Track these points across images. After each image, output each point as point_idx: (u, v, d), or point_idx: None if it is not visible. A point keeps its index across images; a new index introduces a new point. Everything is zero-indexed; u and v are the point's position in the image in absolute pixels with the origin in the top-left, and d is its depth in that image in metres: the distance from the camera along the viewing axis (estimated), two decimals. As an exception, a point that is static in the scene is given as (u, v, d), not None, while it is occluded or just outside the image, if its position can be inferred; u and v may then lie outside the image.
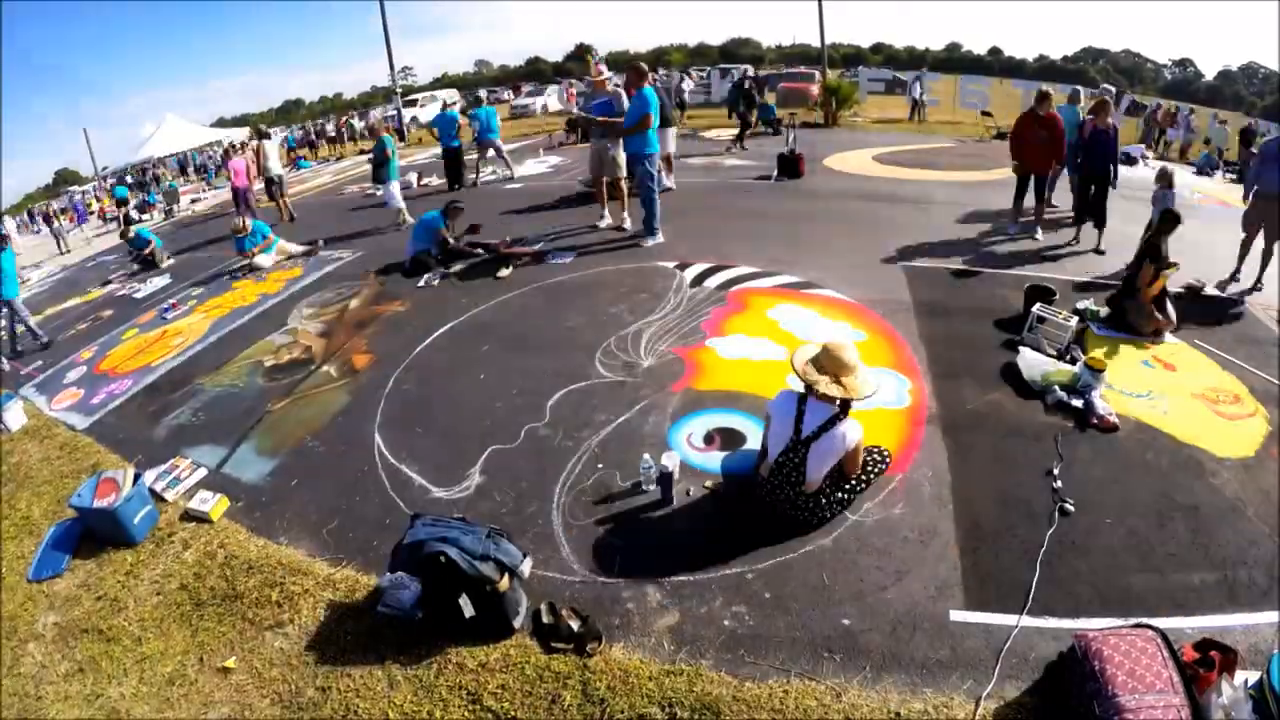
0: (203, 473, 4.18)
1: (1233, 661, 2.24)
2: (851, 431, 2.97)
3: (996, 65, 45.30)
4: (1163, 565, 2.84)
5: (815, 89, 19.33)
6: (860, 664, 2.51)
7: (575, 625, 2.70)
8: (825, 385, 2.95)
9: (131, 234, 10.49)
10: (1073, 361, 4.24)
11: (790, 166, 10.03)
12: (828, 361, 3.01)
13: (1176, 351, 4.56)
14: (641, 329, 5.20)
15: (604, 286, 6.14)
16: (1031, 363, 4.23)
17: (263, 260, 8.44)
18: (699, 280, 6.05)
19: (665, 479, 3.31)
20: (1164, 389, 4.11)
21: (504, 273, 6.73)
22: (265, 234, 8.69)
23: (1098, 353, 4.41)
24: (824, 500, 3.08)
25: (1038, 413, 3.89)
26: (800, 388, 3.08)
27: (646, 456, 3.45)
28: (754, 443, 3.68)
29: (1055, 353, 4.38)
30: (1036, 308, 4.61)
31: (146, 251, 9.86)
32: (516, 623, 2.75)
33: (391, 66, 23.13)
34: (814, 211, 8.28)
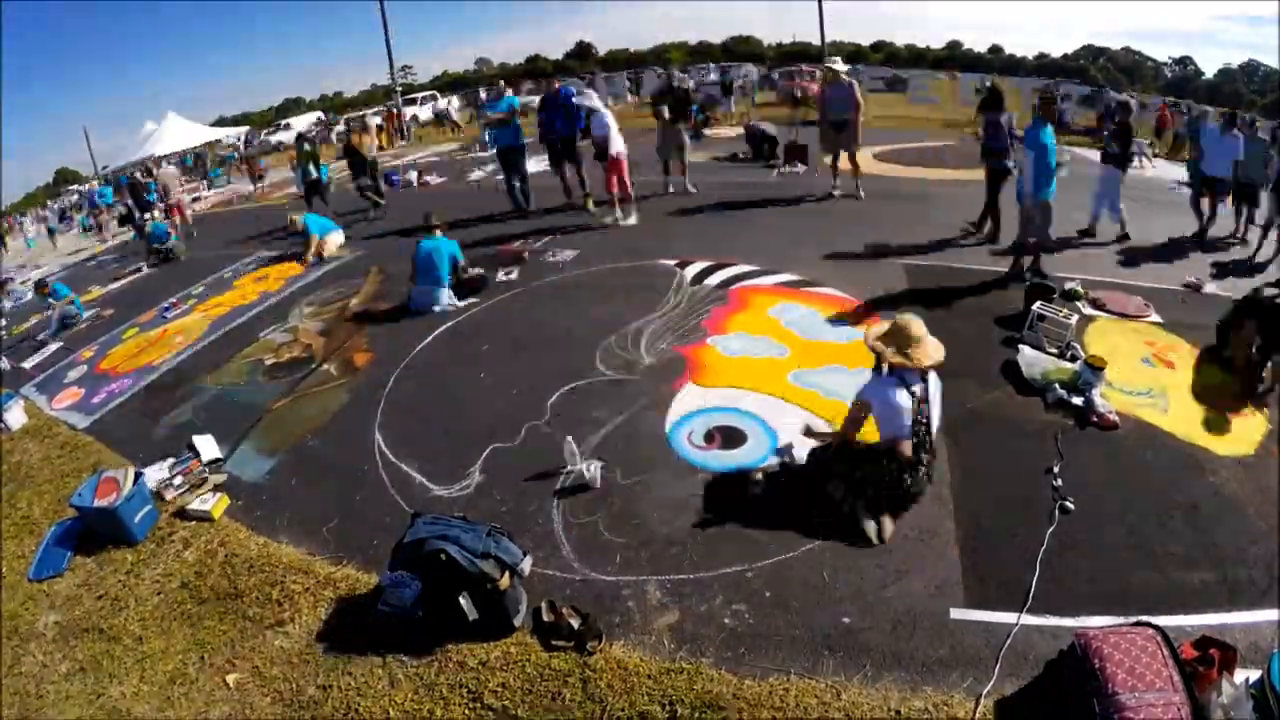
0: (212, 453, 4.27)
1: (1232, 659, 2.24)
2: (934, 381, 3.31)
3: (996, 63, 45.16)
4: (1163, 563, 2.85)
5: (815, 87, 19.36)
6: (860, 662, 2.52)
7: (575, 623, 2.71)
8: (892, 355, 3.11)
9: (148, 230, 10.45)
10: (1073, 359, 4.24)
11: (799, 151, 10.34)
12: (895, 336, 3.15)
13: (1176, 349, 4.56)
14: (642, 327, 5.19)
15: (604, 285, 6.13)
16: (1031, 360, 4.23)
17: (331, 245, 8.45)
18: (699, 278, 6.05)
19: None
20: (1164, 387, 4.11)
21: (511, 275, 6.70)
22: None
23: (1098, 350, 4.41)
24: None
25: (1038, 411, 3.89)
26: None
27: (569, 439, 3.58)
28: (754, 441, 3.68)
29: (1055, 350, 4.38)
30: (1036, 305, 4.61)
31: (166, 246, 9.86)
32: (517, 621, 2.76)
33: (391, 65, 23.13)
34: (814, 209, 8.27)
